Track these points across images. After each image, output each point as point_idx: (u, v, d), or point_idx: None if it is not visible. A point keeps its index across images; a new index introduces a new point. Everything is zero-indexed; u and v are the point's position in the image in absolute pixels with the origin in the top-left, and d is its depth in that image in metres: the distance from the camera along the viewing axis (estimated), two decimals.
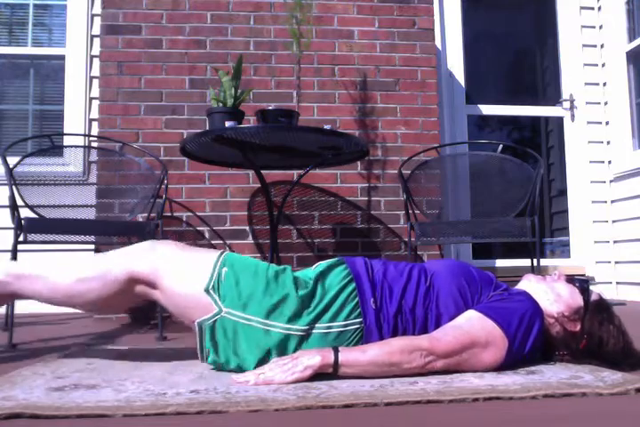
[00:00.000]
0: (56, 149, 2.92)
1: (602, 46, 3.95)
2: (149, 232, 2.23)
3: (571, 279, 1.48)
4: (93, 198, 2.84)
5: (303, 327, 1.31)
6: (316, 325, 1.32)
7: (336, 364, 1.21)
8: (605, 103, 3.91)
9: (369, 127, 3.15)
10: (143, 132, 3.00)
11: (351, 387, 1.15)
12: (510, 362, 1.31)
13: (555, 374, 1.27)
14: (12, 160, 2.37)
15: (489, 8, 4.40)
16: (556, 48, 4.11)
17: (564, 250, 4.12)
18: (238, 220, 3.02)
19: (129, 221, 2.59)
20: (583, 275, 3.77)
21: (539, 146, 4.76)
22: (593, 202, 3.86)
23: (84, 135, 3.23)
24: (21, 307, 3.10)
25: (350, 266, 1.43)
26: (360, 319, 1.34)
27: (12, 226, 2.07)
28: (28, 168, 2.61)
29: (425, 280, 1.41)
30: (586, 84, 3.95)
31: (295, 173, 3.06)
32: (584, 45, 3.98)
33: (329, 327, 1.32)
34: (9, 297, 1.47)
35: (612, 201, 3.85)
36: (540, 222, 2.43)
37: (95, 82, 3.42)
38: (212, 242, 2.98)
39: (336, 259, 1.48)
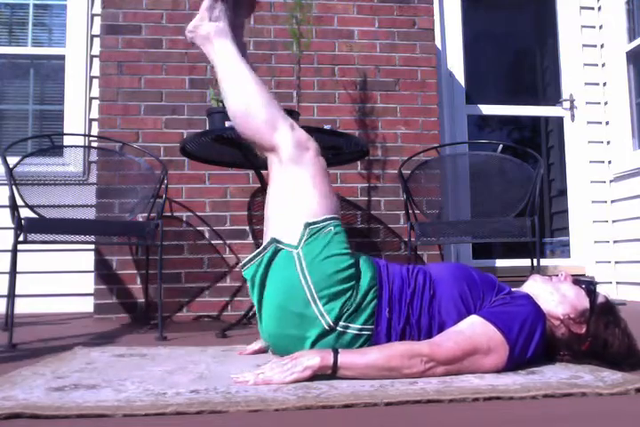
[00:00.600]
0: (56, 149, 2.92)
1: (602, 46, 3.95)
2: (149, 232, 2.23)
3: (577, 281, 1.47)
4: (93, 198, 2.84)
5: (332, 320, 1.33)
6: (340, 322, 1.33)
7: (335, 365, 1.21)
8: (605, 103, 3.91)
9: (369, 127, 3.15)
10: (143, 132, 3.00)
11: (351, 387, 1.15)
12: (511, 367, 1.30)
13: (555, 374, 1.27)
14: (12, 160, 2.37)
15: (489, 8, 4.40)
16: (556, 48, 4.11)
17: (564, 250, 4.12)
18: (238, 220, 3.02)
19: (129, 221, 2.59)
20: (583, 275, 3.76)
21: (539, 146, 4.76)
22: (593, 202, 3.86)
23: (84, 135, 3.23)
24: (21, 307, 3.10)
25: (377, 270, 1.43)
26: (372, 326, 1.35)
27: (12, 226, 2.07)
28: (27, 168, 2.61)
29: (429, 288, 1.40)
30: (586, 84, 3.95)
31: None
32: (584, 45, 3.98)
33: (346, 327, 1.34)
34: None
35: (612, 201, 3.84)
36: (540, 222, 2.43)
37: (95, 82, 3.42)
38: (212, 242, 2.98)
39: (368, 258, 1.48)
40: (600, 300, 1.42)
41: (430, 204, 3.07)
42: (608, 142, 3.89)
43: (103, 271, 2.90)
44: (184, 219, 2.98)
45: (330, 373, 1.21)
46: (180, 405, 1.02)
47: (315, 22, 3.06)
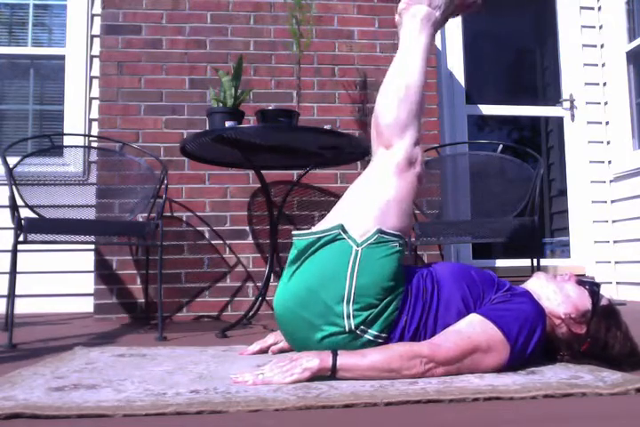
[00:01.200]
0: (56, 149, 2.92)
1: (602, 46, 3.95)
2: (149, 232, 2.23)
3: (581, 281, 1.46)
4: (93, 198, 2.84)
5: (355, 324, 1.32)
6: (360, 326, 1.33)
7: (334, 367, 1.20)
8: (605, 103, 3.91)
9: (369, 127, 3.15)
10: (143, 132, 3.00)
11: (351, 387, 1.15)
12: (511, 366, 1.30)
13: (555, 375, 1.27)
14: (12, 160, 2.37)
15: (489, 8, 4.39)
16: (556, 48, 4.10)
17: (564, 250, 4.12)
18: (238, 220, 3.02)
19: (129, 221, 2.59)
20: (583, 275, 3.77)
21: (539, 146, 4.76)
22: (593, 202, 3.86)
23: (84, 135, 3.23)
24: (21, 307, 3.10)
25: (406, 284, 1.41)
26: (387, 335, 1.34)
27: (12, 226, 2.07)
28: (28, 168, 2.61)
29: (436, 293, 1.40)
30: (586, 84, 3.95)
31: (295, 173, 3.06)
32: (584, 45, 3.98)
33: (364, 331, 1.33)
34: None
35: (612, 201, 3.84)
36: (540, 222, 2.43)
37: (95, 82, 3.42)
38: (212, 242, 2.98)
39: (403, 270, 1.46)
40: (603, 302, 1.42)
41: (430, 204, 3.07)
42: (608, 142, 3.89)
43: (103, 271, 2.90)
44: (184, 219, 2.98)
45: (329, 375, 1.21)
46: (180, 405, 1.02)
47: (315, 22, 3.06)
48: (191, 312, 2.92)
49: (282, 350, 1.61)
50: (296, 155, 2.51)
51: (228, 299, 2.95)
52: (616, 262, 3.79)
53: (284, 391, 1.11)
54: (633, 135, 3.73)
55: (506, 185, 2.86)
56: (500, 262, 3.81)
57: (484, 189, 2.93)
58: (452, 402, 1.05)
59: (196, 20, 3.10)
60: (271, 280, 2.51)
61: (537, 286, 1.47)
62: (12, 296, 2.05)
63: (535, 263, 2.45)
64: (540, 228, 2.41)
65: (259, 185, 2.88)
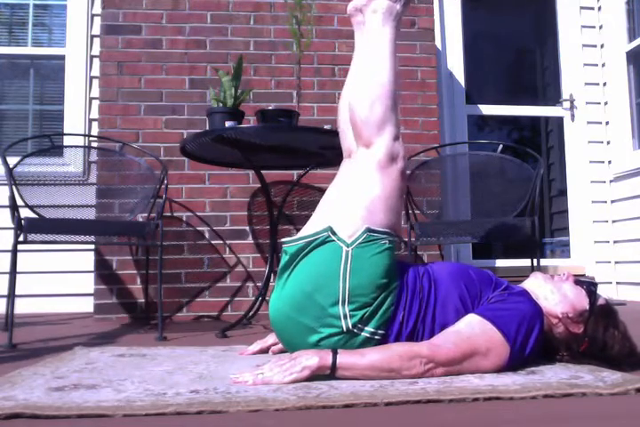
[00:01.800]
0: (56, 149, 2.92)
1: (602, 46, 3.95)
2: (149, 232, 2.23)
3: (579, 281, 1.47)
4: (93, 198, 2.84)
5: (352, 324, 1.32)
6: (357, 325, 1.33)
7: (334, 366, 1.20)
8: (605, 103, 3.91)
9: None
10: (143, 132, 3.00)
11: (351, 387, 1.15)
12: (511, 366, 1.30)
13: (555, 375, 1.27)
14: (11, 160, 2.37)
15: (489, 8, 4.40)
16: (556, 48, 4.11)
17: (564, 250, 4.12)
18: (238, 220, 3.02)
19: (129, 221, 2.59)
20: (583, 275, 3.77)
21: (539, 146, 4.76)
22: (593, 202, 3.86)
23: (84, 135, 3.23)
24: (21, 307, 3.10)
25: (400, 279, 1.41)
26: (384, 332, 1.34)
27: (12, 226, 2.07)
28: (28, 168, 2.61)
29: (434, 291, 1.40)
30: (586, 84, 3.95)
31: (295, 173, 3.06)
32: (584, 45, 3.98)
33: (360, 329, 1.33)
34: None
35: (612, 201, 3.84)
36: (540, 222, 2.43)
37: (95, 82, 3.42)
38: (212, 242, 2.98)
39: (397, 266, 1.46)
40: (600, 302, 1.42)
41: (430, 204, 3.07)
42: (608, 142, 3.89)
43: (103, 271, 2.90)
44: (184, 219, 2.98)
45: (328, 373, 1.21)
46: (180, 405, 1.02)
47: (315, 22, 3.06)
48: (191, 312, 2.92)
49: (282, 351, 1.61)
50: (296, 155, 2.51)
51: (227, 299, 2.95)
52: (616, 262, 3.79)
53: (284, 391, 1.11)
54: (633, 135, 3.73)
55: (506, 185, 2.85)
56: (500, 262, 3.81)
57: (484, 189, 2.93)
58: (452, 402, 1.05)
59: (195, 20, 3.10)
60: (271, 280, 2.51)
61: (534, 285, 1.47)
62: (12, 296, 2.05)
63: (535, 263, 2.45)
64: (540, 228, 2.40)
65: (259, 185, 2.88)
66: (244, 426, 0.94)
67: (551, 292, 1.43)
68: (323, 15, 3.18)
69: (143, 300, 2.88)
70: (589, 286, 1.44)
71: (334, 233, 1.38)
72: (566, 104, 3.98)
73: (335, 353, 1.22)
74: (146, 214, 2.80)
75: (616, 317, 1.41)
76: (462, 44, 3.93)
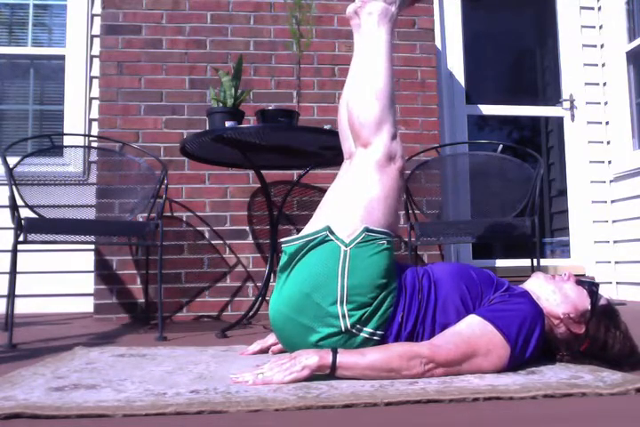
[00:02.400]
0: (56, 149, 2.92)
1: (602, 46, 3.95)
2: (149, 232, 2.23)
3: (580, 281, 1.46)
4: (93, 198, 2.84)
5: (350, 324, 1.32)
6: (356, 325, 1.33)
7: (334, 365, 1.21)
8: (605, 103, 3.91)
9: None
10: (143, 132, 3.00)
11: (351, 387, 1.15)
12: (511, 367, 1.30)
13: (555, 375, 1.27)
14: (12, 160, 2.37)
15: (489, 8, 4.40)
16: (556, 48, 4.11)
17: (564, 250, 4.12)
18: (238, 220, 3.02)
19: (129, 221, 2.59)
20: (583, 275, 3.77)
21: (539, 146, 4.76)
22: (593, 202, 3.86)
23: (84, 135, 3.23)
24: (21, 307, 3.11)
25: (399, 279, 1.41)
26: (383, 332, 1.34)
27: (12, 226, 2.07)
28: (28, 168, 2.61)
29: (433, 292, 1.40)
30: (586, 84, 3.95)
31: (295, 173, 3.05)
32: (584, 45, 3.98)
33: (359, 330, 1.33)
34: None
35: (612, 201, 3.84)
36: (540, 222, 2.43)
37: (95, 82, 3.42)
38: (212, 242, 2.98)
39: (395, 266, 1.46)
40: (602, 302, 1.42)
41: (430, 204, 3.07)
42: (608, 142, 3.89)
43: (103, 271, 2.90)
44: (184, 219, 2.98)
45: (328, 372, 1.21)
46: (180, 405, 1.02)
47: (315, 22, 3.06)
48: (191, 312, 2.92)
49: (282, 351, 1.61)
50: (296, 155, 2.51)
51: (227, 299, 2.95)
52: (616, 262, 3.79)
53: (284, 391, 1.11)
54: (633, 135, 3.73)
55: (506, 185, 2.86)
56: (500, 262, 3.81)
57: (484, 189, 2.93)
58: (452, 402, 1.05)
59: (195, 20, 3.10)
60: (271, 280, 2.51)
61: (536, 286, 1.46)
62: (12, 296, 2.05)
63: (535, 263, 2.45)
64: (539, 228, 2.41)
65: (259, 185, 2.88)
66: (243, 426, 0.94)
67: (553, 292, 1.43)
68: (322, 15, 3.18)
69: (143, 300, 2.88)
70: (591, 286, 1.44)
71: (332, 233, 1.38)
72: (566, 104, 3.98)
73: (335, 353, 1.22)
74: (146, 214, 2.80)
75: (618, 317, 1.41)
76: (462, 44, 3.93)
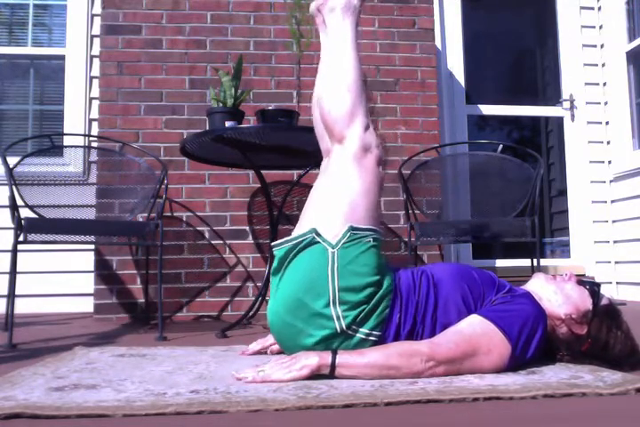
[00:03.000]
0: (56, 149, 2.92)
1: (602, 46, 3.95)
2: (149, 232, 2.23)
3: (581, 281, 1.46)
4: (93, 198, 2.84)
5: (345, 325, 1.31)
6: (351, 326, 1.32)
7: (333, 364, 1.21)
8: (605, 103, 3.91)
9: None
10: (143, 132, 3.00)
11: (351, 387, 1.15)
12: (512, 367, 1.30)
13: (555, 375, 1.27)
14: (12, 160, 2.37)
15: (489, 8, 4.40)
16: (556, 48, 4.10)
17: (564, 250, 4.12)
18: (238, 220, 3.02)
19: (129, 221, 2.59)
20: (583, 275, 3.76)
21: (539, 146, 4.76)
22: (593, 202, 3.86)
23: (84, 135, 3.23)
24: (21, 307, 3.10)
25: (394, 280, 1.41)
26: (380, 333, 1.34)
27: (12, 226, 2.07)
28: (28, 168, 2.61)
29: (433, 292, 1.40)
30: (586, 84, 3.95)
31: (295, 173, 3.05)
32: (584, 45, 3.98)
33: (355, 331, 1.33)
34: None
35: (612, 201, 3.84)
36: (540, 222, 2.43)
37: (95, 82, 3.42)
38: (212, 242, 2.98)
39: (388, 266, 1.47)
40: (603, 302, 1.41)
41: (430, 204, 3.07)
42: (608, 142, 3.89)
43: (103, 271, 2.90)
44: (184, 219, 2.98)
45: (328, 372, 1.21)
46: (180, 405, 1.02)
47: (314, 22, 3.06)
48: (191, 312, 2.92)
49: (281, 351, 1.61)
50: (296, 155, 2.51)
51: (227, 299, 2.95)
52: (616, 262, 3.79)
53: (284, 391, 1.11)
54: (633, 135, 3.73)
55: (506, 185, 2.86)
56: (500, 262, 3.81)
57: (484, 189, 2.93)
58: (452, 402, 1.05)
59: (195, 20, 3.10)
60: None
61: (537, 286, 1.46)
62: (12, 296, 2.05)
63: (535, 263, 2.45)
64: (539, 228, 2.40)
65: (259, 185, 2.88)
66: (243, 426, 0.94)
67: (554, 293, 1.42)
68: None
69: (143, 300, 2.88)
70: (592, 286, 1.43)
71: (319, 234, 1.38)
72: (566, 104, 3.98)
73: (335, 353, 1.23)
74: (146, 214, 2.80)
75: (619, 317, 1.40)
76: (462, 44, 3.93)
